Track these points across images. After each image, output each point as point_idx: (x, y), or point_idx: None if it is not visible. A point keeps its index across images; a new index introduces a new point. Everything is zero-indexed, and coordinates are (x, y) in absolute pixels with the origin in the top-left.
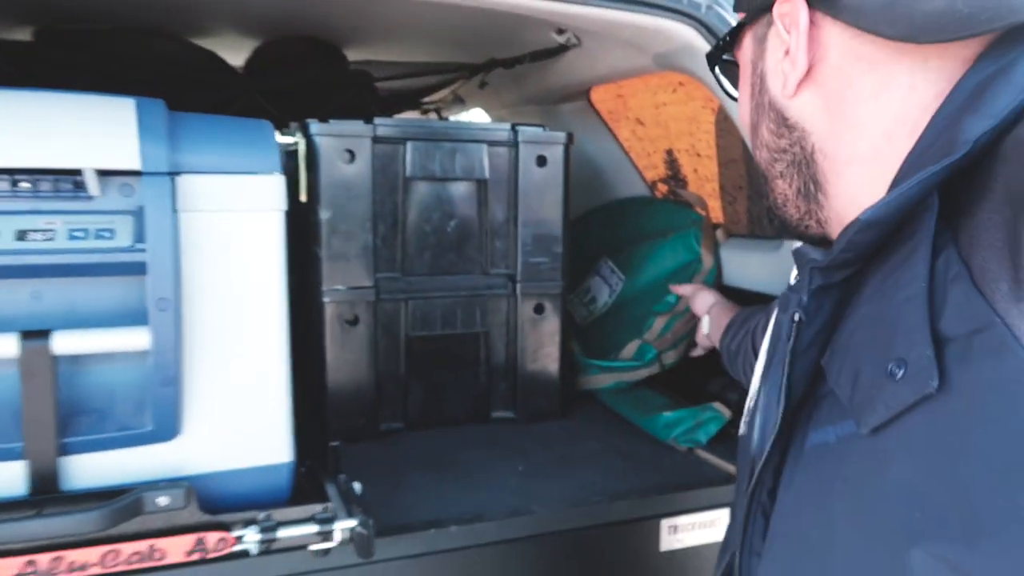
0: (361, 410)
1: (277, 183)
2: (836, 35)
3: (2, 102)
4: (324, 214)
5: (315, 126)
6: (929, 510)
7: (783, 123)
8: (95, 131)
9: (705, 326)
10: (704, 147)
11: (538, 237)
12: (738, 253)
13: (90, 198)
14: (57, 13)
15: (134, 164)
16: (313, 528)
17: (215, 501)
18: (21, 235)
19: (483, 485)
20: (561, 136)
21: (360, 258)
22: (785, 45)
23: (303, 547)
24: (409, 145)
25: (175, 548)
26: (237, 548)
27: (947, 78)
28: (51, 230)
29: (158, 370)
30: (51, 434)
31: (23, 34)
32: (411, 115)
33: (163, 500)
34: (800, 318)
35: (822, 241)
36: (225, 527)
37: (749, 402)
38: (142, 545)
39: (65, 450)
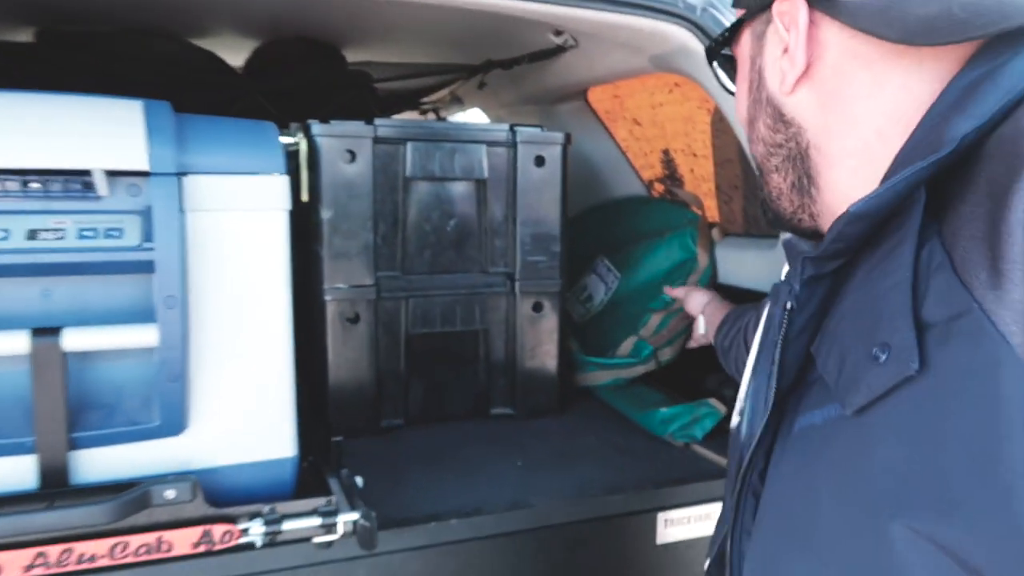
0: (362, 406)
1: (282, 183)
2: (834, 34)
3: (13, 104)
4: (325, 213)
5: (317, 127)
6: (909, 486)
7: (780, 119)
8: (104, 133)
9: (701, 326)
10: (700, 147)
11: (536, 236)
12: (734, 252)
13: (99, 198)
14: (58, 14)
15: (142, 165)
16: (317, 521)
17: (221, 494)
18: (32, 234)
19: (483, 480)
20: (559, 136)
21: (361, 257)
22: (784, 43)
23: (307, 539)
24: (409, 145)
25: (182, 540)
26: (242, 540)
27: (940, 78)
28: (61, 229)
29: (165, 366)
30: (61, 429)
31: (25, 35)
32: (410, 115)
33: (170, 493)
34: (791, 306)
35: (814, 234)
36: (231, 520)
37: (740, 393)
38: (150, 537)
39: (75, 444)
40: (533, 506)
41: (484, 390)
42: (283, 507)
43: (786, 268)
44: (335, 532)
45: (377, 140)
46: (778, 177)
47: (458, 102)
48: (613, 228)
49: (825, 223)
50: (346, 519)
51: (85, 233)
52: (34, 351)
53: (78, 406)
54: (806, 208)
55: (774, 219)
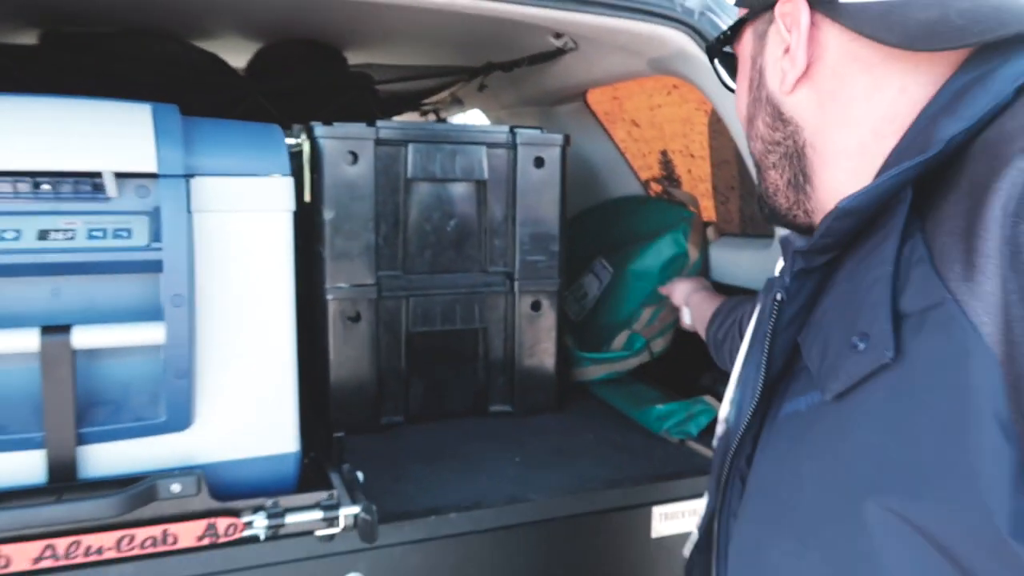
0: (363, 404)
1: (286, 185)
2: (834, 37)
3: (24, 108)
4: (328, 214)
5: (319, 128)
6: (883, 467)
7: (779, 117)
8: (114, 136)
9: (686, 316)
10: (697, 148)
11: (535, 236)
12: (730, 251)
13: (108, 199)
14: (63, 16)
15: (151, 167)
16: (319, 514)
17: (225, 488)
18: (43, 234)
19: (482, 475)
20: (558, 138)
21: (362, 257)
22: (785, 43)
23: (309, 533)
24: (410, 147)
25: (187, 533)
26: (246, 533)
27: (934, 81)
28: (71, 230)
29: (172, 363)
30: (70, 424)
31: (30, 37)
32: (411, 116)
33: (176, 487)
34: (782, 298)
35: (809, 230)
36: (235, 513)
37: (731, 382)
38: (156, 530)
39: (83, 440)
40: (531, 500)
41: (483, 388)
42: (286, 501)
43: (780, 263)
44: (337, 525)
45: (379, 142)
46: (775, 174)
47: (458, 103)
48: (611, 228)
49: (818, 219)
50: (347, 513)
51: (94, 233)
52: (44, 348)
53: (86, 402)
54: (801, 205)
55: (770, 214)
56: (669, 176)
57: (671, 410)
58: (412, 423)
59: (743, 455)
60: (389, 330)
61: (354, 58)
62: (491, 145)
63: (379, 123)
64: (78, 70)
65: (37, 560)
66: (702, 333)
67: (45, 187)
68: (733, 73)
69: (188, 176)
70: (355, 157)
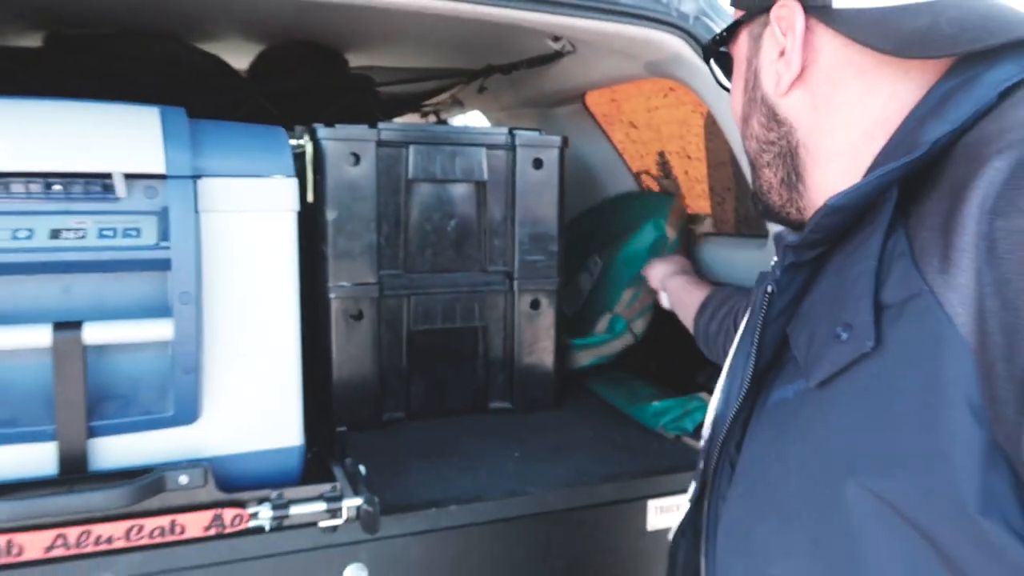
0: (365, 400)
1: (290, 186)
2: (828, 41)
3: (36, 112)
4: (330, 214)
5: (322, 130)
6: (861, 449)
7: (773, 118)
8: (123, 138)
9: (664, 301)
10: (694, 150)
11: (534, 236)
12: (726, 251)
13: (118, 200)
14: (66, 19)
15: (159, 168)
16: (322, 506)
17: (231, 481)
18: (55, 234)
19: (482, 470)
20: (556, 140)
21: (364, 256)
22: (780, 46)
23: (313, 524)
24: (411, 148)
25: (194, 523)
26: (252, 524)
27: (923, 85)
28: (82, 229)
29: (180, 359)
30: (80, 418)
31: (34, 39)
32: (411, 118)
33: (183, 479)
34: (772, 290)
35: (801, 226)
36: (240, 504)
37: (723, 372)
38: (164, 520)
39: (93, 433)
40: (529, 494)
41: (483, 385)
42: (290, 493)
43: (774, 259)
44: (340, 516)
45: (380, 143)
46: (769, 172)
47: (459, 105)
48: (604, 226)
49: (810, 216)
50: (350, 504)
51: (105, 233)
52: (56, 344)
53: (96, 396)
54: (794, 202)
55: (764, 211)
56: (667, 177)
57: (667, 407)
58: (413, 419)
59: (732, 441)
60: (391, 328)
61: (355, 60)
62: (490, 147)
63: (380, 125)
64: (81, 72)
65: (49, 549)
66: (684, 319)
67: (57, 188)
68: (728, 73)
69: (195, 177)
70: (357, 158)
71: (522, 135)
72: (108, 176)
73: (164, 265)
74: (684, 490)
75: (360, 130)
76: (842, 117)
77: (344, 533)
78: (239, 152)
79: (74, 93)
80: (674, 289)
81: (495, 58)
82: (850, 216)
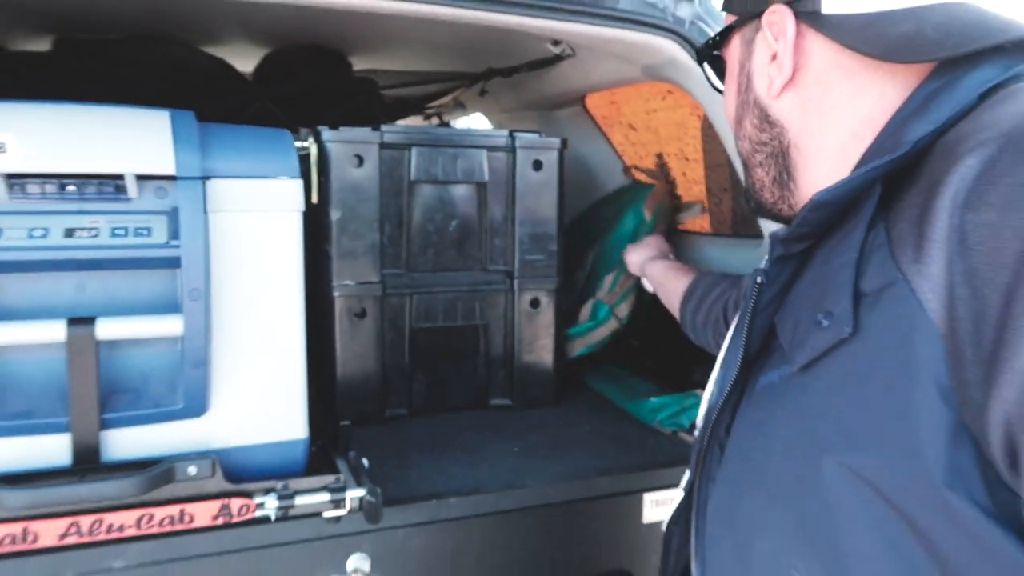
0: (368, 397)
1: (296, 186)
2: (818, 46)
3: (51, 115)
4: (335, 215)
5: (327, 133)
6: (838, 428)
7: (765, 119)
8: (134, 140)
9: (648, 286)
10: (692, 151)
11: (534, 236)
12: (723, 251)
13: (129, 200)
14: (74, 24)
15: (169, 170)
16: (326, 497)
17: (238, 472)
18: (69, 233)
19: (482, 464)
20: (556, 142)
21: (368, 255)
22: (772, 50)
23: (317, 514)
24: (414, 150)
25: (203, 513)
26: (258, 514)
27: (908, 87)
28: (95, 228)
29: (189, 354)
30: (93, 410)
31: (43, 44)
32: (414, 120)
33: (192, 470)
34: (761, 281)
35: (791, 222)
36: (247, 495)
37: (716, 364)
38: (173, 510)
39: (105, 425)
40: (528, 487)
41: (484, 382)
42: (295, 484)
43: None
44: (343, 507)
45: (384, 145)
46: (761, 171)
47: (461, 107)
48: (597, 221)
49: None
50: (353, 495)
51: (117, 232)
52: (70, 339)
53: (109, 390)
54: (785, 200)
55: (756, 208)
56: (665, 178)
57: (664, 403)
58: (415, 416)
59: (722, 425)
60: (393, 326)
61: (359, 64)
62: (491, 149)
63: (383, 127)
64: (89, 76)
65: (63, 536)
66: (668, 305)
67: (71, 188)
68: (722, 76)
69: (204, 178)
70: (360, 160)
71: (522, 137)
72: (120, 177)
73: (174, 263)
74: (679, 484)
75: (363, 132)
76: (831, 118)
77: (347, 523)
78: (246, 154)
79: (82, 97)
80: (655, 275)
81: (496, 61)
82: (835, 211)
